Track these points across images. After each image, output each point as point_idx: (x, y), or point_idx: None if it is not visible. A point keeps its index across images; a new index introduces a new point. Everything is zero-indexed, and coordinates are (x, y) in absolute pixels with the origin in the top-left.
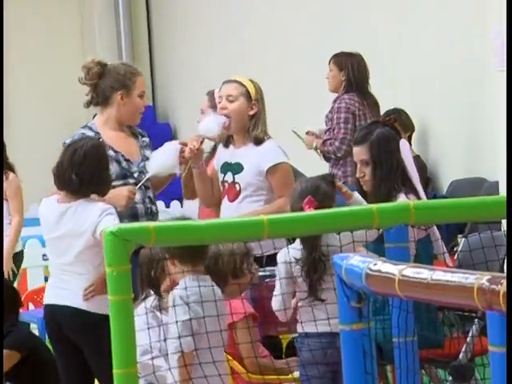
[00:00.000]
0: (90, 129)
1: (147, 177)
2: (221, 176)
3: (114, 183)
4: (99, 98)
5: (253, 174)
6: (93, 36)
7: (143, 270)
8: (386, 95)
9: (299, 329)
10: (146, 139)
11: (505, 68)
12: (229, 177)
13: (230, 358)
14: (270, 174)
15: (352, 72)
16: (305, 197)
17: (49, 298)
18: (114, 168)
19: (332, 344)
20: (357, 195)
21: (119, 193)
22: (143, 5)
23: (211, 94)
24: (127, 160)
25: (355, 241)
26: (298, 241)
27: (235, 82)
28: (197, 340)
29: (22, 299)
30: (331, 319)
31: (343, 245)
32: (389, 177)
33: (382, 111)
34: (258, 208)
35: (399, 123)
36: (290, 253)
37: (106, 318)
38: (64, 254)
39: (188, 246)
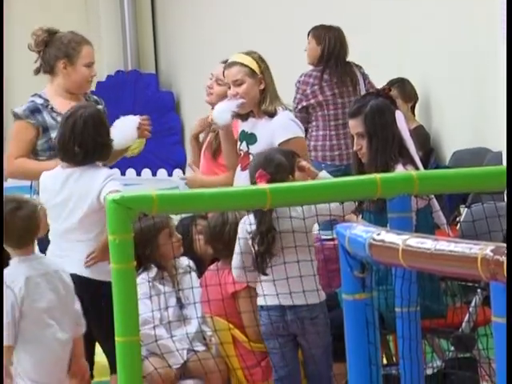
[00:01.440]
0: (40, 96)
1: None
2: (238, 143)
3: None
4: (46, 66)
5: (265, 147)
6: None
7: (138, 247)
8: (391, 65)
9: (257, 302)
10: (101, 107)
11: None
12: (244, 146)
13: (232, 326)
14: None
15: (328, 45)
16: (257, 170)
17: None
18: None
19: (282, 317)
20: (324, 174)
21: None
22: None
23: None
24: None
25: (319, 214)
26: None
27: (235, 64)
28: None
29: None
30: (275, 294)
31: (306, 217)
32: (385, 148)
33: (387, 80)
34: None
35: (402, 92)
36: (246, 224)
37: (107, 284)
38: (67, 218)
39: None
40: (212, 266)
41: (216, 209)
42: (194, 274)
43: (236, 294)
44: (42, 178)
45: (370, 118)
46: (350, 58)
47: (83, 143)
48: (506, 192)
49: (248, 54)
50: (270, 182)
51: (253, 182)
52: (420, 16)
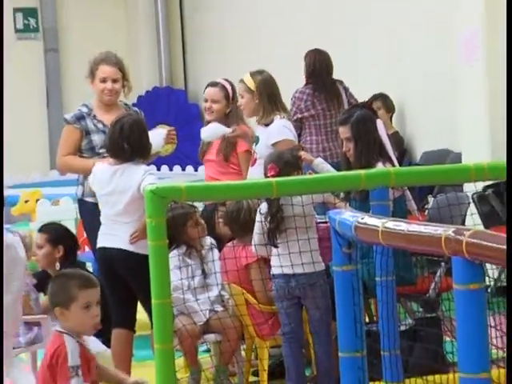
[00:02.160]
0: (86, 106)
1: None
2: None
3: (100, 150)
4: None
5: (264, 147)
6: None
7: (172, 230)
8: (373, 82)
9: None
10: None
11: (470, 63)
12: (253, 147)
13: (245, 291)
14: (275, 148)
15: (307, 64)
16: (270, 164)
17: (102, 242)
18: (100, 137)
19: (287, 283)
20: (319, 160)
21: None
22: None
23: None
24: None
25: (315, 201)
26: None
27: (241, 82)
28: None
29: (80, 243)
30: (284, 265)
31: (305, 204)
32: (368, 150)
33: (370, 94)
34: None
35: (382, 105)
36: (261, 209)
37: (147, 257)
38: (114, 205)
39: None
40: (229, 244)
41: (232, 198)
42: (215, 250)
43: (248, 265)
44: (93, 172)
45: (355, 125)
46: (339, 76)
47: (130, 143)
48: (506, 192)
49: (252, 74)
50: (278, 174)
51: (265, 173)
52: (397, 42)
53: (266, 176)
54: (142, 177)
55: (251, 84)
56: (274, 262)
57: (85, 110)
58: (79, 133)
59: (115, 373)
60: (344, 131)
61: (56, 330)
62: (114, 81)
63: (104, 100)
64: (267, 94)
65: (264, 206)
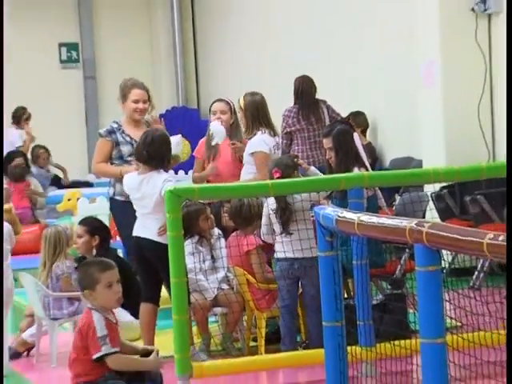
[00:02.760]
0: (117, 122)
1: None
2: None
3: (128, 158)
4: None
5: (246, 155)
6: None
7: (186, 223)
8: (351, 101)
9: (275, 255)
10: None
11: (429, 87)
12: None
13: (246, 273)
14: (253, 157)
15: (295, 88)
16: (274, 168)
17: (136, 232)
18: (127, 148)
19: (291, 266)
20: (313, 168)
21: (132, 168)
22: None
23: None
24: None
25: (311, 200)
26: (272, 198)
27: (238, 101)
28: None
29: (112, 234)
30: (287, 251)
31: (303, 200)
32: (346, 158)
33: (348, 112)
34: (248, 177)
35: (358, 121)
36: (269, 205)
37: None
38: (144, 207)
39: None
40: (233, 234)
41: (235, 196)
42: (222, 239)
43: (249, 252)
44: (125, 180)
45: (336, 138)
46: (326, 96)
47: (148, 150)
48: (506, 191)
49: (245, 95)
50: (281, 175)
51: (270, 176)
52: (371, 72)
53: (271, 177)
54: (162, 184)
55: (242, 103)
56: (278, 248)
57: (115, 125)
58: (110, 144)
59: (128, 342)
60: (327, 142)
61: (87, 307)
62: (144, 102)
63: (135, 117)
64: (251, 113)
65: (272, 202)
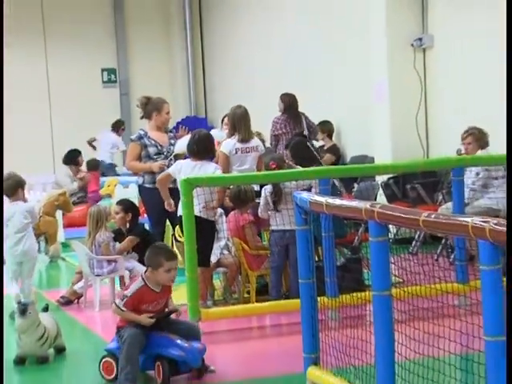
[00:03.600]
0: (143, 130)
1: (172, 154)
2: None
3: (154, 157)
4: (146, 114)
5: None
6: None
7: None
8: (322, 111)
9: (270, 228)
10: (172, 134)
11: (379, 102)
12: None
13: (242, 242)
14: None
15: (285, 102)
16: (271, 161)
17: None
18: (153, 149)
19: (282, 235)
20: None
21: (156, 164)
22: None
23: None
24: (161, 145)
25: (298, 186)
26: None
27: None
28: None
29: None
30: (279, 224)
31: (291, 187)
32: (302, 161)
33: (318, 120)
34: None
35: (326, 127)
36: (267, 189)
37: (205, 220)
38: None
39: None
40: (232, 212)
41: (236, 183)
42: (223, 216)
43: (244, 226)
44: (177, 165)
45: (292, 149)
46: (302, 108)
47: (198, 146)
48: (506, 191)
49: (232, 108)
50: (277, 166)
51: (267, 168)
52: (336, 87)
53: (267, 168)
54: (213, 170)
55: (229, 114)
56: (272, 222)
57: (142, 132)
58: (139, 147)
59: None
60: (287, 152)
61: (141, 274)
62: (169, 113)
63: (165, 125)
64: (231, 122)
65: (269, 187)
